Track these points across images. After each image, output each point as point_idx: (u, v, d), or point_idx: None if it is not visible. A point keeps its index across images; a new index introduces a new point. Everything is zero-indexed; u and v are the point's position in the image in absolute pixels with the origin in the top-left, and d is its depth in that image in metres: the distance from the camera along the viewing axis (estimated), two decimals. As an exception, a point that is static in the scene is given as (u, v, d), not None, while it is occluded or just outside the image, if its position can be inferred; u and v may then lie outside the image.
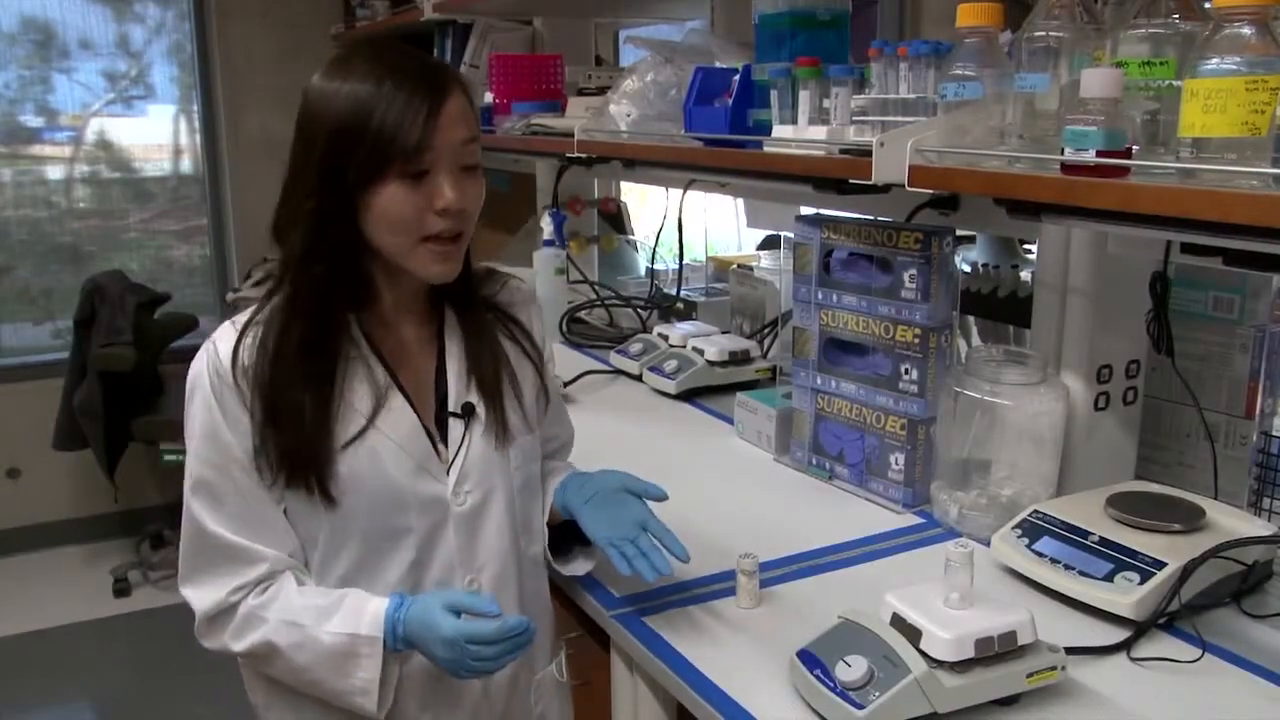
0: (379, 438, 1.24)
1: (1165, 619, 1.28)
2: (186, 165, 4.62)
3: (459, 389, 1.31)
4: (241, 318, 1.26)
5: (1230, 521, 1.38)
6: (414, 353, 1.31)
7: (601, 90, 2.54)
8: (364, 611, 1.21)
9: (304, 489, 1.22)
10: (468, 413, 1.30)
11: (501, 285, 1.41)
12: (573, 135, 2.34)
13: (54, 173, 4.44)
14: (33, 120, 4.37)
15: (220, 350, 1.23)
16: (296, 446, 1.21)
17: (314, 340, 1.22)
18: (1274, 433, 1.53)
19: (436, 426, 1.29)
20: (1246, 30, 1.02)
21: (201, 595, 1.25)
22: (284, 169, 1.23)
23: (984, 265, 2.18)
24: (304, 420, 1.21)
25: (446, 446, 1.29)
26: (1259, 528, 1.38)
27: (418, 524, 1.27)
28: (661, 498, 1.37)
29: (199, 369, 1.24)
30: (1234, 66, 1.02)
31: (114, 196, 4.54)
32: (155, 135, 4.57)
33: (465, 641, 1.15)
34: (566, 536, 1.42)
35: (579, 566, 1.43)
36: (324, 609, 1.22)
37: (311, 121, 1.19)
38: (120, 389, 3.85)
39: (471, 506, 1.29)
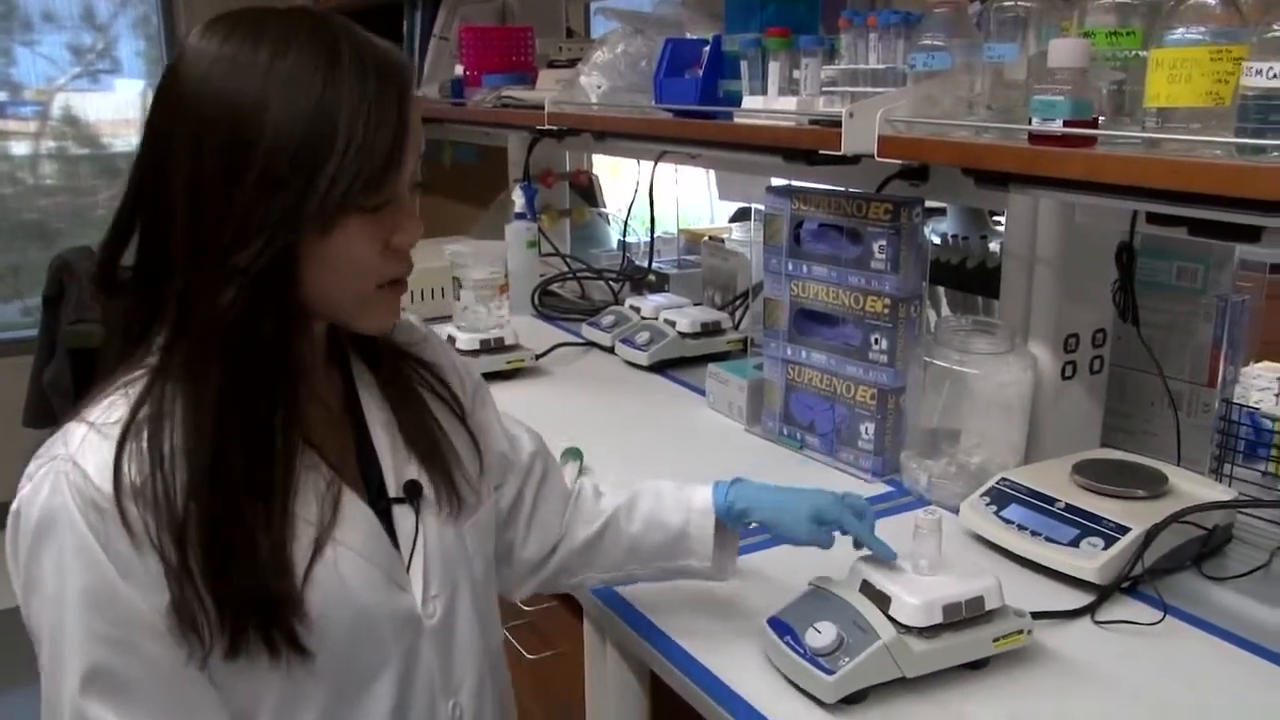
0: (338, 551, 0.92)
1: (1128, 583, 1.29)
2: (141, 158, 4.54)
3: (396, 465, 1.01)
4: (108, 416, 0.86)
5: (1192, 487, 1.39)
6: (329, 425, 0.98)
7: (572, 62, 2.52)
8: None
9: (263, 648, 0.87)
10: (414, 494, 1.00)
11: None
12: (543, 108, 2.33)
13: (19, 148, 4.36)
14: (-6, 95, 4.30)
15: (91, 470, 0.83)
16: (252, 594, 0.85)
17: (261, 434, 0.87)
18: (1235, 400, 1.55)
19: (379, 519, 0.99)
20: (1210, 0, 1.02)
21: None
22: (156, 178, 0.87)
23: (953, 236, 2.19)
24: (259, 551, 0.86)
25: (398, 543, 0.99)
26: (1219, 493, 1.39)
27: (394, 653, 0.97)
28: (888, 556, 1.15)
29: (54, 505, 0.83)
30: (1199, 36, 1.02)
31: (82, 173, 4.47)
32: (123, 110, 4.49)
33: None
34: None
35: (732, 568, 1.24)
36: None
37: (227, 134, 0.83)
38: (90, 366, 3.78)
39: (442, 614, 1.01)
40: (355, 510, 0.95)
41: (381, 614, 0.95)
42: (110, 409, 0.87)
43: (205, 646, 0.86)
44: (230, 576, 0.85)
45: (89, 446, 0.85)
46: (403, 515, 1.00)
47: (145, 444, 0.85)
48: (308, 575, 0.89)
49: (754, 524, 1.20)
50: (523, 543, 1.21)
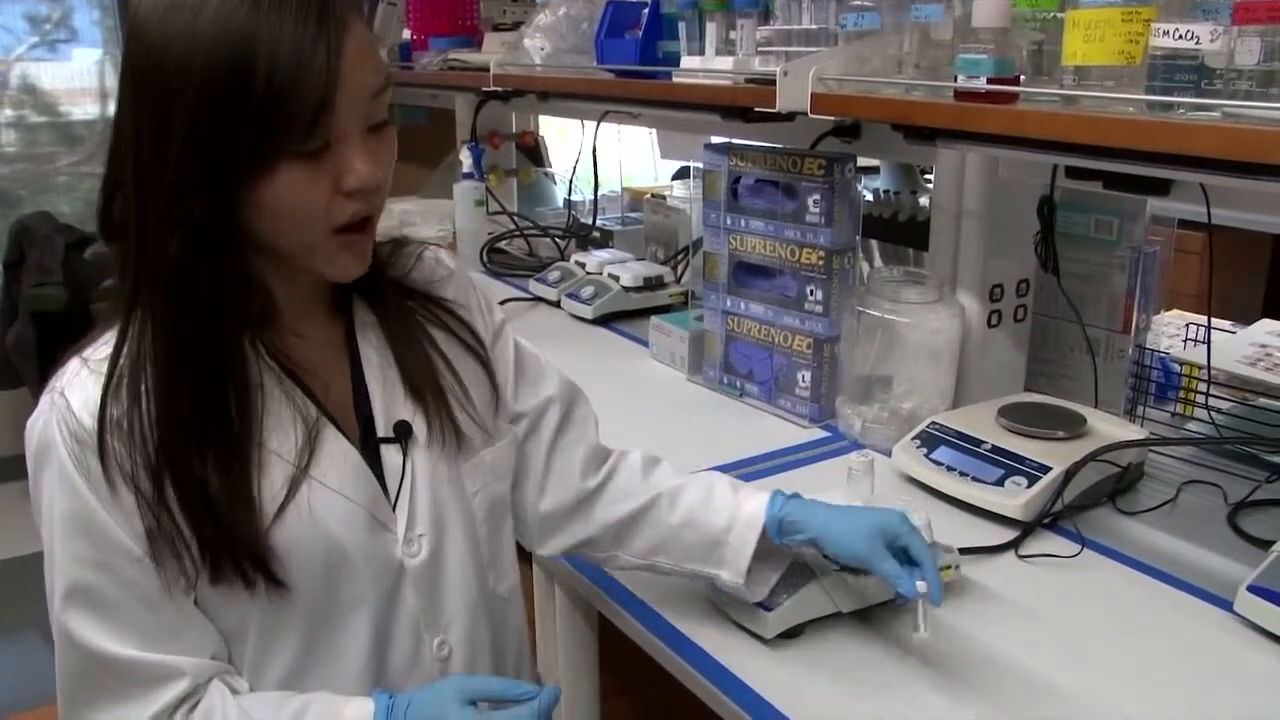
0: (314, 489, 0.90)
1: (1050, 519, 1.31)
2: (114, 108, 4.44)
3: (387, 405, 0.97)
4: (98, 353, 0.87)
5: (1108, 428, 1.41)
6: (324, 366, 0.96)
7: (516, 25, 2.50)
8: (342, 711, 0.89)
9: (239, 579, 0.87)
10: (403, 434, 0.97)
11: (415, 260, 1.05)
12: (489, 70, 2.30)
13: (-21, 118, 4.26)
14: (-47, 65, 4.18)
15: (75, 403, 0.84)
16: (219, 531, 0.85)
17: (211, 382, 0.86)
18: (1147, 346, 1.57)
19: (365, 457, 0.95)
20: (1122, -37, 1.02)
21: None
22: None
23: (885, 191, 2.20)
24: (219, 493, 0.85)
25: (385, 483, 0.96)
26: (1133, 432, 1.42)
27: (372, 591, 0.94)
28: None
29: (46, 434, 0.85)
30: (1111, -1, 1.02)
31: (42, 140, 4.36)
32: (80, 79, 4.38)
33: None
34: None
35: (768, 581, 1.08)
36: None
37: (161, 81, 0.79)
38: (53, 328, 3.73)
39: (428, 554, 0.97)
40: (337, 448, 0.92)
41: (358, 550, 0.92)
42: (102, 346, 0.87)
43: (187, 574, 0.86)
44: (199, 513, 0.85)
45: (77, 381, 0.86)
46: (390, 455, 0.96)
47: (125, 380, 0.85)
48: (280, 512, 0.88)
49: (803, 538, 1.05)
50: (538, 493, 1.12)
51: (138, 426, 0.84)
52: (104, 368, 0.85)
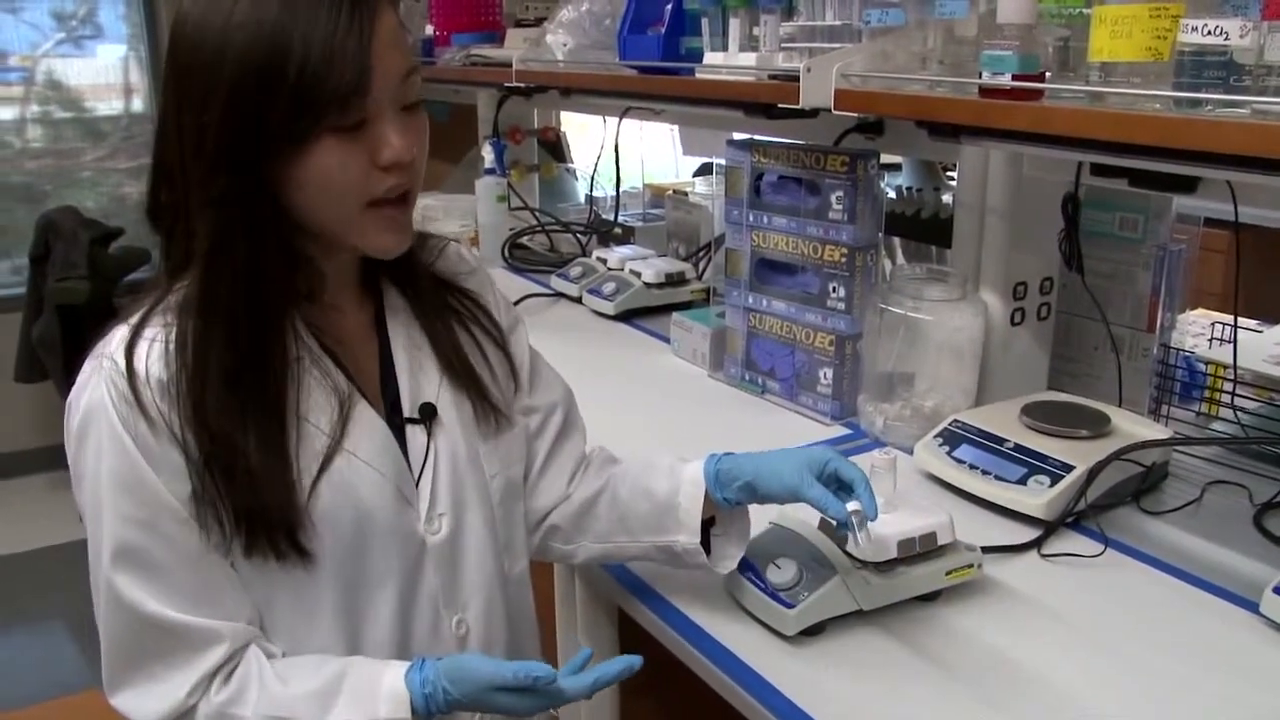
0: (347, 460, 0.94)
1: (1073, 518, 1.30)
2: (138, 104, 4.48)
3: (413, 386, 1.02)
4: (143, 321, 0.91)
5: (1132, 427, 1.40)
6: (356, 345, 1.02)
7: (539, 21, 2.50)
8: (378, 688, 0.90)
9: (270, 551, 0.91)
10: (428, 416, 1.02)
11: (438, 252, 1.11)
12: (511, 66, 2.30)
13: (6, 113, 4.29)
14: (-19, 62, 4.22)
15: (123, 366, 0.88)
16: (255, 502, 0.89)
17: (250, 353, 0.90)
18: (1172, 345, 1.56)
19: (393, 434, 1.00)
20: (1151, -42, 1.01)
21: (149, 703, 0.90)
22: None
23: (908, 189, 2.19)
24: (258, 464, 0.89)
25: (409, 461, 1.01)
26: (1157, 432, 1.41)
27: (397, 565, 0.99)
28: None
29: (95, 398, 0.88)
30: (1139, -7, 1.02)
31: (67, 136, 4.40)
32: (106, 75, 4.42)
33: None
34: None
35: (732, 554, 1.12)
36: (321, 694, 0.90)
37: (200, 67, 0.84)
38: (77, 321, 3.76)
39: (448, 533, 1.02)
40: (368, 422, 0.97)
41: (385, 523, 0.97)
42: (147, 315, 0.91)
43: (226, 538, 0.90)
44: (237, 483, 0.88)
45: (124, 347, 0.89)
46: (415, 434, 1.02)
47: (171, 347, 0.89)
48: (316, 480, 0.92)
49: (739, 484, 1.07)
50: (531, 492, 1.15)
51: (183, 391, 0.88)
52: (150, 334, 0.90)
